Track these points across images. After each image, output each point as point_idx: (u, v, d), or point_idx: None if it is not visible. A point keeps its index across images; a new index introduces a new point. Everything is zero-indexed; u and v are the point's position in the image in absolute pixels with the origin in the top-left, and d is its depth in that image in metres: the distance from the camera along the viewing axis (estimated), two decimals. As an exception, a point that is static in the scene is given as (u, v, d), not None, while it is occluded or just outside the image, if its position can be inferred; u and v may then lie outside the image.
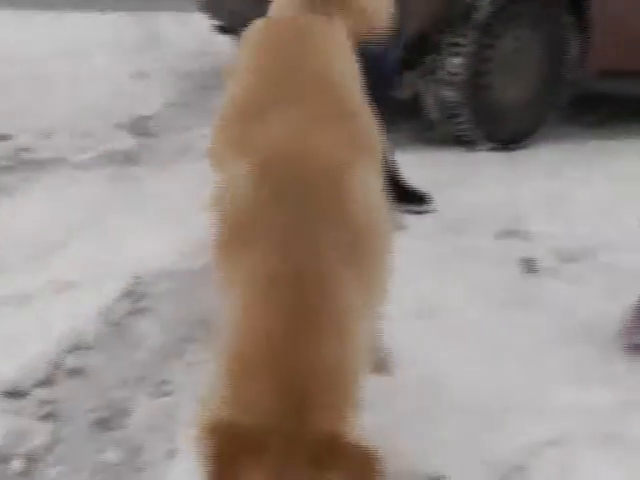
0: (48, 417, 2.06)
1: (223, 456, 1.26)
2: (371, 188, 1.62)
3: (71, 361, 2.28)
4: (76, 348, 2.36)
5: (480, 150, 4.74)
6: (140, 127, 5.04)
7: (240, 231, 1.49)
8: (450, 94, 4.60)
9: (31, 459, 1.91)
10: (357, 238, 1.49)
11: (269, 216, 1.45)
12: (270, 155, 1.54)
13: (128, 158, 4.40)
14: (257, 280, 1.40)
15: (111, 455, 1.92)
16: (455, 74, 4.56)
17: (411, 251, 3.14)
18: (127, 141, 4.65)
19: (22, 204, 3.59)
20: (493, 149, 4.77)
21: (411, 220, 3.56)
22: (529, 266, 3.08)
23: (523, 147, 4.88)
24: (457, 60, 4.54)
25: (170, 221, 3.26)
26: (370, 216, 1.58)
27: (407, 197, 3.68)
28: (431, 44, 4.51)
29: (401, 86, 4.34)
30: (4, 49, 6.65)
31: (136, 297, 2.71)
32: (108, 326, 2.51)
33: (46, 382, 2.19)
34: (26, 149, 4.50)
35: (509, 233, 3.44)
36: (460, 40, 4.51)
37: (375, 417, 1.78)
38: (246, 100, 1.76)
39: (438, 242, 3.30)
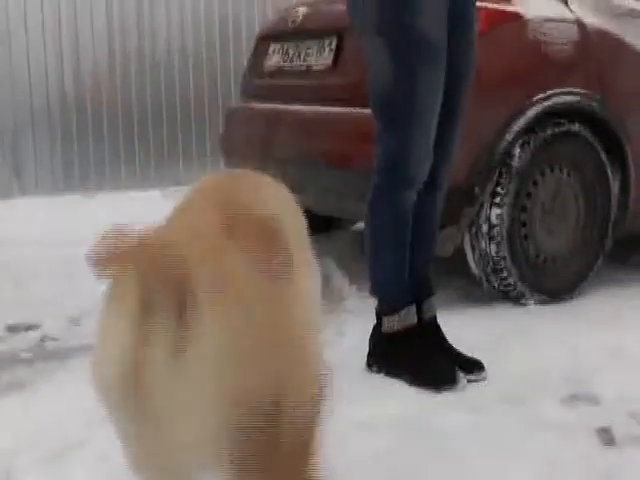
0: None
1: None
2: None
3: None
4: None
5: (528, 304, 4.45)
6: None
7: None
8: (492, 248, 4.37)
9: None
10: None
11: None
12: None
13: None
14: None
15: None
16: (496, 226, 4.34)
17: (470, 428, 2.83)
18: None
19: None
20: (542, 302, 4.47)
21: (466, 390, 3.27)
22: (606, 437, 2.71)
23: (573, 297, 4.59)
24: (497, 211, 4.33)
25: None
26: None
27: (462, 366, 3.40)
28: (470, 196, 4.29)
29: (442, 242, 4.08)
30: (39, 233, 6.69)
31: None
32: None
33: None
34: (52, 338, 4.30)
35: (575, 397, 3.08)
36: (498, 190, 4.33)
37: None
38: None
39: (498, 413, 2.97)
